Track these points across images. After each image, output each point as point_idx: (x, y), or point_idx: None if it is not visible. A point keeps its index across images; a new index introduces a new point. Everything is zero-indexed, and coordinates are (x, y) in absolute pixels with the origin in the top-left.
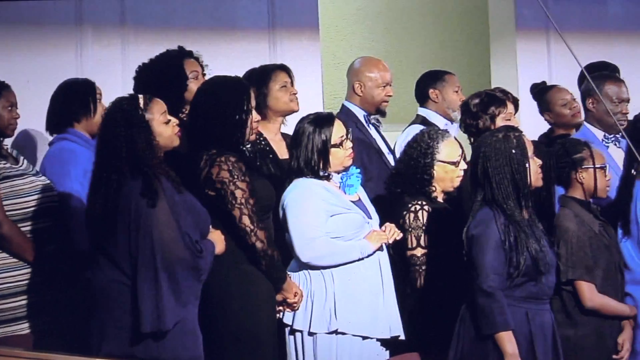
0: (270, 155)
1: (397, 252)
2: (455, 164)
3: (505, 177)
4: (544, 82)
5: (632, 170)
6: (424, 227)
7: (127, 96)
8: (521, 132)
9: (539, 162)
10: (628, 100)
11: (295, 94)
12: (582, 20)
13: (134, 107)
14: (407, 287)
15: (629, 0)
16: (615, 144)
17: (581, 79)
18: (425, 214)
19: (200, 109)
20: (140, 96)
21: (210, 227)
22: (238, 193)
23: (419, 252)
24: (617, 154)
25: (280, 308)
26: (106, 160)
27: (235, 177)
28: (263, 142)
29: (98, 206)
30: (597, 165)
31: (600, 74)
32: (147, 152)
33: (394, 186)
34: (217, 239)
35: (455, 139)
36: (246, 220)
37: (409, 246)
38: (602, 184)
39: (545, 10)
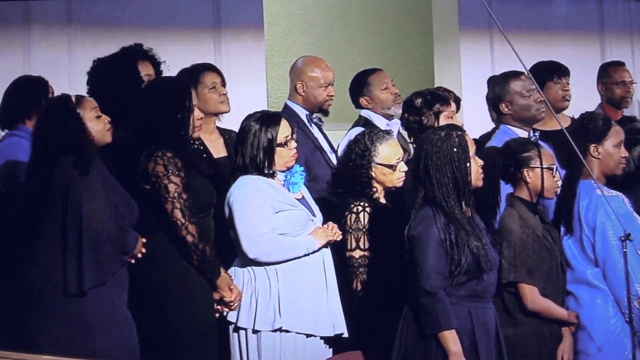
0: (205, 155)
1: (337, 253)
2: (392, 167)
3: (445, 176)
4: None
5: (576, 169)
6: (364, 229)
7: (58, 95)
8: (464, 131)
9: (480, 162)
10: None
11: (225, 94)
12: (525, 20)
13: (65, 102)
14: (345, 288)
15: (572, 0)
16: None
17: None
18: (366, 215)
19: (143, 107)
20: (72, 95)
21: None
22: (171, 187)
23: (357, 254)
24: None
25: (219, 308)
26: (41, 148)
27: (170, 171)
28: (197, 142)
29: (33, 189)
30: (544, 165)
31: (500, 75)
32: (79, 136)
33: (336, 187)
34: (139, 238)
35: (400, 134)
36: (177, 213)
37: (348, 247)
38: (550, 184)
39: (488, 10)
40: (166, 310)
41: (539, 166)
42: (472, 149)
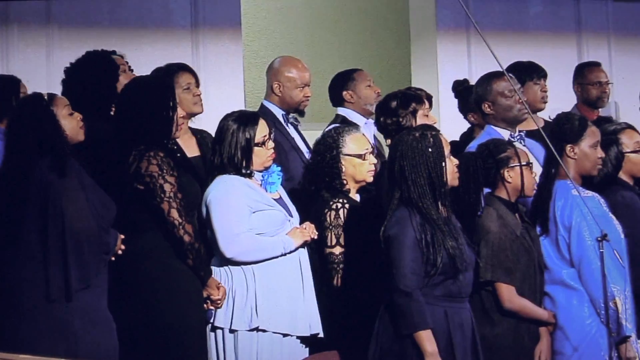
0: (179, 154)
1: (316, 250)
2: (362, 156)
3: (421, 176)
4: (466, 80)
5: (552, 170)
6: (344, 226)
7: (30, 94)
8: (438, 131)
9: (456, 161)
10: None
11: (198, 95)
12: (502, 20)
13: (37, 100)
14: (324, 286)
15: (549, 0)
16: (521, 142)
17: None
18: (346, 212)
19: (127, 106)
20: (44, 93)
21: None
22: (167, 187)
23: (337, 250)
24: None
25: (204, 305)
26: (16, 149)
27: (164, 171)
28: (171, 142)
29: (9, 191)
30: (522, 163)
31: (484, 76)
32: (53, 134)
33: (308, 183)
34: (118, 236)
35: (375, 137)
36: (175, 213)
37: (328, 244)
38: (529, 181)
39: (466, 11)
40: (156, 309)
41: (518, 164)
42: (447, 149)
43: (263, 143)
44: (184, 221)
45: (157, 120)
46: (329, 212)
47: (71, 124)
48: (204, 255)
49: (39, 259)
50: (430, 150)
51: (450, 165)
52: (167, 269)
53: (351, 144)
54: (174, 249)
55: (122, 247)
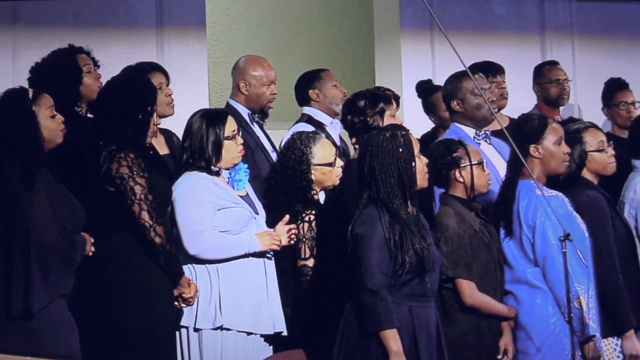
0: (152, 152)
1: (287, 259)
2: (331, 164)
3: (391, 176)
4: (429, 81)
5: (516, 170)
6: (317, 238)
7: (16, 88)
8: (408, 130)
9: (425, 160)
10: (489, 87)
11: (170, 95)
12: (466, 20)
13: (21, 98)
14: (297, 296)
15: (513, 0)
16: (486, 141)
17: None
18: (318, 223)
19: (105, 104)
20: (30, 89)
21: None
22: (137, 189)
23: (311, 262)
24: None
25: (176, 304)
26: None
27: (135, 173)
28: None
29: None
30: (473, 162)
31: (455, 74)
32: (29, 141)
33: (277, 196)
34: (87, 240)
35: (340, 137)
36: (145, 215)
37: (302, 256)
38: (482, 179)
39: (430, 10)
40: (126, 309)
41: (469, 164)
42: (416, 148)
43: (233, 137)
44: (155, 223)
45: (133, 121)
46: (302, 224)
47: (51, 127)
48: (176, 255)
49: (3, 274)
50: (400, 150)
51: (420, 164)
52: (137, 270)
53: (320, 152)
54: (145, 250)
55: (93, 249)
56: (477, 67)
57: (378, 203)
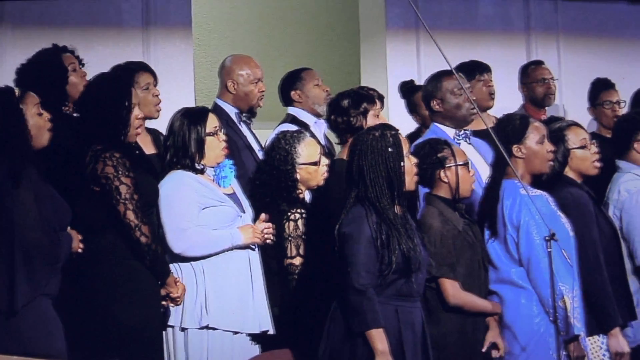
0: (137, 152)
1: (274, 258)
2: (316, 163)
3: (380, 175)
4: (412, 81)
5: (500, 170)
6: (303, 236)
7: (2, 87)
8: (397, 130)
9: (415, 160)
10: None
11: (157, 95)
12: (452, 20)
13: (8, 97)
14: (284, 295)
15: (499, 1)
16: (466, 141)
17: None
18: (304, 222)
19: (85, 104)
20: (16, 88)
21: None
22: (122, 189)
23: (297, 261)
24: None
25: (164, 303)
26: None
27: (120, 172)
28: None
29: None
30: (459, 163)
31: (435, 73)
32: (16, 138)
33: (263, 196)
34: (74, 237)
35: (326, 136)
36: (131, 215)
37: (289, 255)
38: (466, 181)
39: (415, 10)
40: (114, 308)
41: (454, 164)
42: (405, 148)
43: (215, 133)
44: (140, 222)
45: (111, 119)
46: (287, 223)
47: (38, 124)
48: (162, 254)
49: None
50: (389, 149)
51: (409, 164)
52: (125, 269)
53: (305, 152)
54: (131, 250)
55: (82, 245)
56: (464, 67)
57: (365, 202)
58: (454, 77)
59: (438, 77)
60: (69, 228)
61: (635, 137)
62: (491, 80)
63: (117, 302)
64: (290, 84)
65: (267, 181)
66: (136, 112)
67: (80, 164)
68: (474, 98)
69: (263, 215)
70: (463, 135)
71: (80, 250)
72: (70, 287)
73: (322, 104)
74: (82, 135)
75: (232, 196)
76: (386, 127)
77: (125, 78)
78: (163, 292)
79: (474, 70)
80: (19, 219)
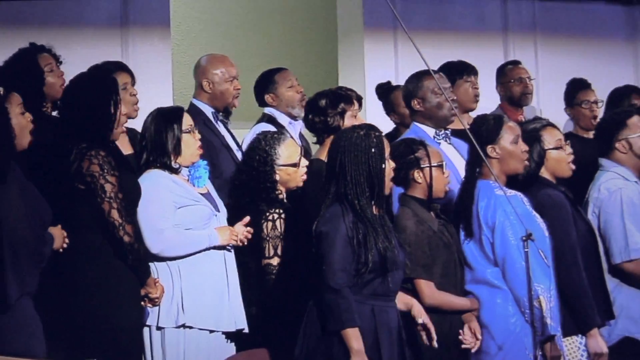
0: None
1: (252, 258)
2: (296, 165)
3: (361, 175)
4: (388, 82)
5: (475, 171)
6: (281, 237)
7: None
8: (381, 132)
9: (393, 164)
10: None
11: (135, 95)
12: (429, 20)
13: None
14: (262, 295)
15: (475, 1)
16: (446, 140)
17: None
18: (282, 222)
19: (70, 103)
20: (0, 88)
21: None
22: (108, 187)
23: (275, 261)
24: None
25: (142, 303)
26: None
27: (105, 171)
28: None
29: None
30: (433, 164)
31: (416, 73)
32: (1, 135)
33: (242, 197)
34: (57, 235)
35: (303, 136)
36: (115, 214)
37: (266, 255)
38: (440, 182)
39: (393, 10)
40: (93, 308)
41: (429, 165)
42: (387, 151)
43: (191, 131)
44: (124, 222)
45: (100, 117)
46: (265, 223)
47: (21, 123)
48: (143, 254)
49: None
50: (373, 150)
51: (388, 167)
52: (107, 268)
53: (285, 153)
54: (114, 248)
55: (67, 240)
56: (453, 66)
57: (344, 201)
58: (430, 77)
59: (419, 76)
60: (59, 225)
61: (617, 137)
62: (477, 84)
63: (95, 301)
64: (264, 87)
65: (246, 182)
66: (122, 108)
67: (64, 163)
68: (455, 98)
69: (247, 219)
70: (443, 135)
71: (65, 246)
72: (50, 285)
73: (296, 107)
74: (65, 134)
75: (207, 196)
76: (371, 128)
77: (110, 75)
78: (142, 292)
79: (463, 70)
80: (6, 215)
